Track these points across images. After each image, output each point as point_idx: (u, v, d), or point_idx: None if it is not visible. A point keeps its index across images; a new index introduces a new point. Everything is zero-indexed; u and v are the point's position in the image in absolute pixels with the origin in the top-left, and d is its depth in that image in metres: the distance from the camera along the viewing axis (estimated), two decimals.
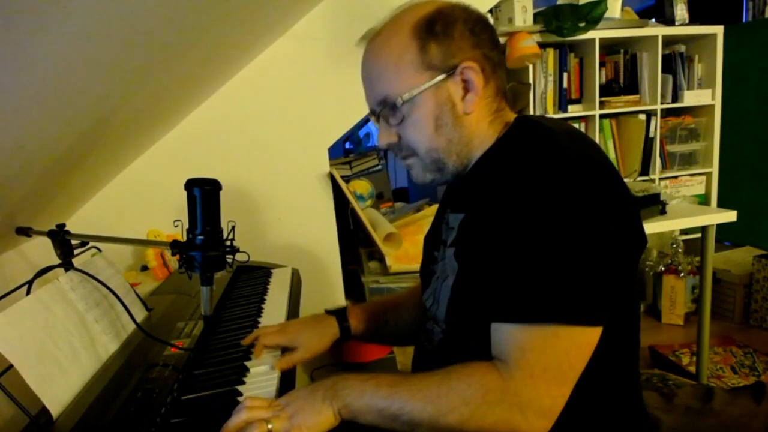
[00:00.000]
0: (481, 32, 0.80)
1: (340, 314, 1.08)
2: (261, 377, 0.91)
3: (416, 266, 1.01)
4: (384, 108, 0.82)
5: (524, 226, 0.70)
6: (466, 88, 0.80)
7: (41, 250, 1.25)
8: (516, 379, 0.68)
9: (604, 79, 2.63)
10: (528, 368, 0.68)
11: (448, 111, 0.80)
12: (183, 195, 0.87)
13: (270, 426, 0.71)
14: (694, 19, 2.69)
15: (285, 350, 1.01)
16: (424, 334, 0.92)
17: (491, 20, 2.27)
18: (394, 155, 0.89)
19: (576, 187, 0.70)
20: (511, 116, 0.86)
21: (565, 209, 0.69)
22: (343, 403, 0.73)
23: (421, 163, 0.85)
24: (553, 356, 0.68)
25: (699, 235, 2.00)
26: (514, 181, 0.74)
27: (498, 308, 0.71)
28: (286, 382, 0.91)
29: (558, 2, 2.37)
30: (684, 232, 2.69)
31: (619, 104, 2.56)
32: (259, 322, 1.16)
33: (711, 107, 2.69)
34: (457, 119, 0.81)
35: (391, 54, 0.80)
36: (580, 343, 0.69)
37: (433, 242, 0.94)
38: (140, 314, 1.11)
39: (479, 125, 0.83)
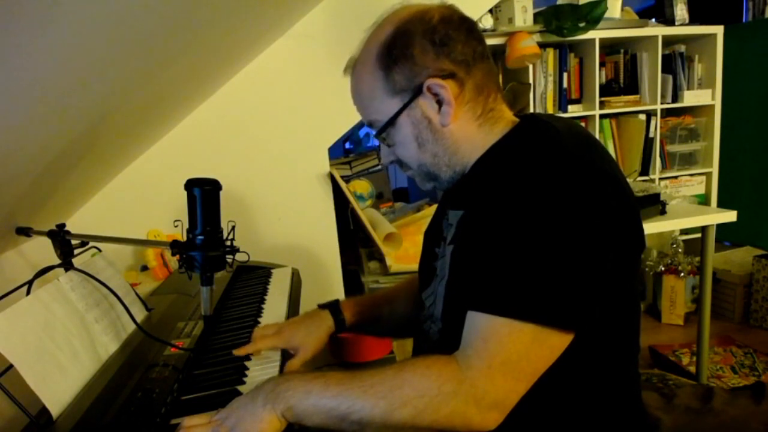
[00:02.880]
0: (445, 37, 0.78)
1: (333, 307, 1.08)
2: (261, 377, 0.91)
3: (416, 266, 1.00)
4: (375, 134, 0.85)
5: (511, 223, 0.70)
6: (439, 101, 0.79)
7: (41, 250, 1.25)
8: (474, 368, 0.67)
9: (604, 79, 2.62)
10: (488, 359, 0.67)
11: (425, 128, 0.81)
12: (183, 195, 0.87)
13: None
14: (694, 19, 2.68)
15: (285, 352, 1.01)
16: (422, 334, 0.92)
17: (491, 20, 2.27)
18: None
19: (569, 191, 0.69)
20: (509, 113, 0.86)
21: (555, 211, 0.68)
22: (287, 406, 0.70)
23: (417, 175, 0.88)
24: (514, 351, 0.67)
25: (699, 235, 2.00)
26: (511, 179, 0.74)
27: (473, 298, 0.71)
28: None
29: (558, 2, 2.37)
30: (684, 232, 2.69)
31: (619, 104, 2.56)
32: (259, 322, 1.16)
33: (711, 107, 2.68)
34: (438, 133, 0.81)
35: (364, 86, 0.83)
36: (543, 343, 0.68)
37: (433, 238, 0.93)
38: (140, 314, 1.11)
39: (465, 132, 0.82)
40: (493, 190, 0.76)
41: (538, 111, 2.48)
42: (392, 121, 0.81)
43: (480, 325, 0.69)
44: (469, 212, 0.82)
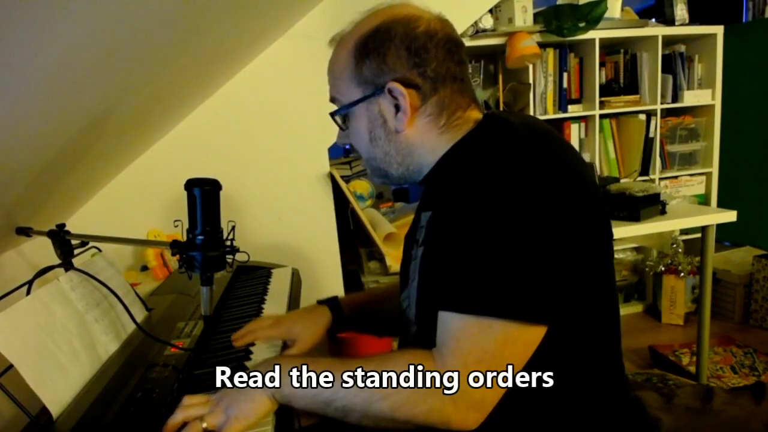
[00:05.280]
0: (422, 50, 0.78)
1: (332, 303, 1.10)
2: None
3: None
4: (330, 111, 0.87)
5: (470, 219, 0.70)
6: (397, 105, 0.80)
7: (41, 250, 1.25)
8: (449, 368, 0.67)
9: (604, 79, 2.62)
10: (462, 358, 0.67)
11: (379, 126, 0.82)
12: (183, 195, 0.87)
13: (204, 424, 0.72)
14: (694, 19, 2.68)
15: (285, 344, 1.02)
16: (403, 337, 0.93)
17: (491, 20, 2.27)
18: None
19: (526, 181, 0.68)
20: (476, 115, 0.84)
21: (513, 203, 0.68)
22: (276, 387, 0.74)
23: (367, 167, 0.89)
24: (487, 349, 0.67)
25: (699, 235, 2.00)
26: (468, 176, 0.73)
27: (443, 297, 0.71)
28: None
29: (558, 2, 2.37)
30: (684, 232, 2.69)
31: (619, 104, 2.56)
32: None
33: (711, 107, 2.68)
34: (390, 135, 0.82)
35: (337, 65, 0.85)
36: (515, 339, 0.68)
37: (409, 242, 0.93)
38: (140, 314, 1.11)
39: (424, 138, 0.82)
40: (452, 189, 0.75)
41: (538, 111, 2.48)
42: (349, 107, 0.83)
43: (451, 324, 0.69)
44: (435, 212, 0.82)
